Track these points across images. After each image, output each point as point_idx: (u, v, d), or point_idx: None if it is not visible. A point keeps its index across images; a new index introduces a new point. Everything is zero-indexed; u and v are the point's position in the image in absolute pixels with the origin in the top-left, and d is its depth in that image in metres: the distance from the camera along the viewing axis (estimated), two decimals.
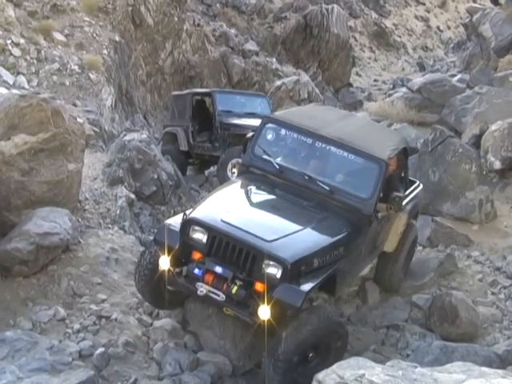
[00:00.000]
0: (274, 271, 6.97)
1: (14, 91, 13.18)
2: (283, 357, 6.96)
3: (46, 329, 8.50)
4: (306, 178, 8.49)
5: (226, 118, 17.49)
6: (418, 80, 21.38)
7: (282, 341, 7.01)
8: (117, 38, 23.77)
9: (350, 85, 36.26)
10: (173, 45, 28.26)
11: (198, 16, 31.22)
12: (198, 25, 30.59)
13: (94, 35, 22.81)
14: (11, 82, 17.64)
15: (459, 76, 22.87)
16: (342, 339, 7.59)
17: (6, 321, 8.87)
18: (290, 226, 7.74)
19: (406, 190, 9.98)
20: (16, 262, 9.16)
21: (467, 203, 12.80)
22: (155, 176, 13.32)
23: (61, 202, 10.71)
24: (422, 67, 41.38)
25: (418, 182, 11.04)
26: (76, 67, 20.34)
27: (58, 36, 21.45)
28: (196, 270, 7.30)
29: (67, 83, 19.48)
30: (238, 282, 7.12)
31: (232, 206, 8.01)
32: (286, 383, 7.12)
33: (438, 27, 52.30)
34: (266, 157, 8.81)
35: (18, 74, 18.46)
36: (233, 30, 32.27)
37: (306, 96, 26.08)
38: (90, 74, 20.48)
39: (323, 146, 8.73)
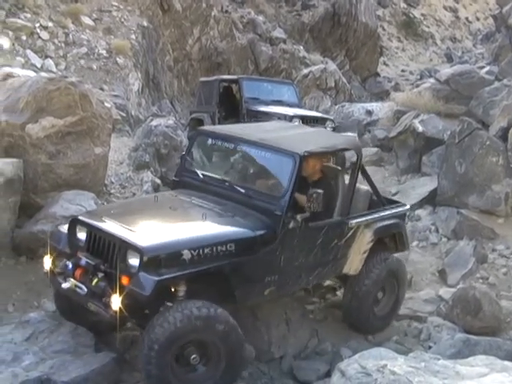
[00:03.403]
0: (135, 262, 6.67)
1: (42, 74, 13.22)
2: (151, 343, 6.47)
3: None
4: (226, 184, 8.27)
5: (253, 105, 17.51)
6: (446, 71, 21.18)
7: (144, 336, 6.64)
8: (145, 23, 23.82)
9: (378, 74, 36.14)
10: (200, 31, 28.25)
11: (225, 2, 31.14)
12: (226, 11, 30.56)
13: (122, 20, 22.87)
14: (39, 65, 17.73)
15: (487, 68, 22.64)
16: (231, 344, 6.89)
17: (30, 302, 8.96)
18: (170, 222, 7.50)
19: (351, 195, 8.77)
20: (41, 244, 9.20)
21: (493, 196, 12.68)
22: None
23: (87, 185, 10.78)
24: (449, 58, 41.11)
25: (400, 203, 9.94)
26: (104, 52, 20.41)
27: (86, 20, 21.52)
28: (69, 266, 7.15)
29: (95, 67, 19.56)
30: (100, 275, 6.89)
31: (123, 208, 8.07)
32: (158, 378, 6.58)
33: (466, 18, 51.94)
34: (193, 169, 8.70)
35: (46, 57, 18.54)
36: (261, 17, 32.18)
37: (333, 85, 25.98)
38: (117, 59, 20.53)
39: (244, 148, 8.55)
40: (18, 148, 10.29)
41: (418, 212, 13.40)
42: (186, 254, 6.78)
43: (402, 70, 40.71)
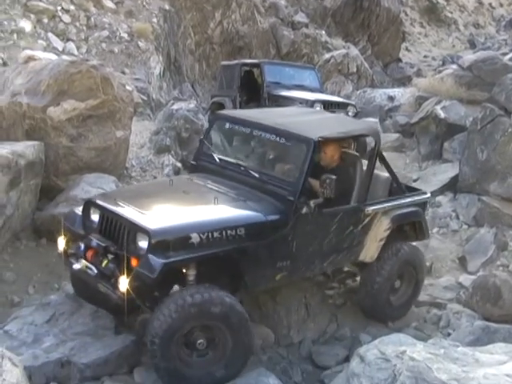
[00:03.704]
0: (144, 244, 6.68)
1: (64, 57, 13.28)
2: (151, 337, 6.55)
3: None
4: (242, 169, 8.20)
5: (275, 89, 17.48)
6: (468, 57, 20.94)
7: (151, 320, 6.71)
8: (166, 7, 23.82)
9: (400, 60, 35.91)
10: (222, 14, 28.16)
11: None
12: None
13: (144, 3, 22.88)
14: (60, 49, 17.81)
15: (511, 54, 22.42)
16: (233, 324, 6.84)
17: (51, 284, 9.03)
18: (181, 206, 7.47)
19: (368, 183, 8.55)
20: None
21: None
22: None
23: (108, 168, 10.83)
24: (472, 44, 40.76)
25: (421, 191, 9.71)
26: (125, 35, 20.44)
27: (108, 3, 21.55)
28: (81, 247, 7.22)
29: (116, 51, 19.60)
30: (110, 256, 6.93)
31: (137, 191, 8.15)
32: (167, 370, 6.69)
33: (490, 4, 51.38)
34: (211, 153, 8.64)
35: (68, 40, 18.61)
36: (282, 1, 31.95)
37: (355, 70, 25.87)
38: (138, 42, 20.56)
39: (260, 133, 8.40)
40: (40, 131, 10.36)
41: (439, 198, 13.34)
42: (195, 238, 6.75)
43: (425, 56, 40.42)
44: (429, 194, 9.84)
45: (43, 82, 10.52)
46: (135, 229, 6.80)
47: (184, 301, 6.54)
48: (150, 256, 6.54)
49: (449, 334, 8.81)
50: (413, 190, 9.65)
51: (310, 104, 15.95)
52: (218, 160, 8.51)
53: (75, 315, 7.72)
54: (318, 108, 15.58)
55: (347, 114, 16.51)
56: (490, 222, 11.98)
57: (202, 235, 6.80)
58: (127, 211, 7.03)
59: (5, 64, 14.80)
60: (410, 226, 9.39)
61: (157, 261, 6.50)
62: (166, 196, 7.84)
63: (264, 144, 8.69)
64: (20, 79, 10.91)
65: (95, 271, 7.00)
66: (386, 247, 8.85)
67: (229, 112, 9.88)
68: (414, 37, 43.05)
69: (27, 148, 9.77)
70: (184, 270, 6.95)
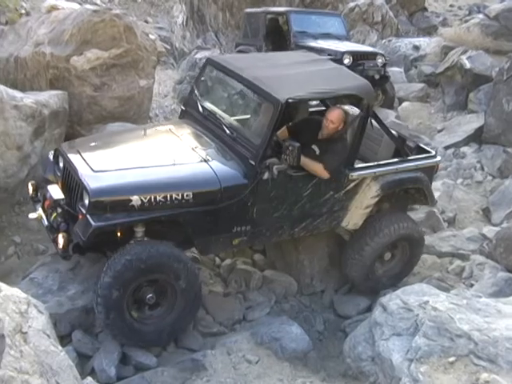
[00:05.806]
0: (86, 202, 6.46)
1: (87, 6, 13.22)
2: (101, 291, 6.45)
3: None
4: (219, 122, 7.72)
5: (301, 39, 17.19)
6: (495, 7, 20.58)
7: (100, 275, 6.57)
8: None
9: (425, 9, 35.37)
10: None
11: None
12: None
13: None
14: None
15: None
16: (185, 279, 6.77)
17: None
18: (134, 163, 6.99)
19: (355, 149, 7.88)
20: None
21: None
22: None
23: (131, 117, 10.85)
24: None
25: (429, 155, 8.74)
26: None
27: None
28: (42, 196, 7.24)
29: (139, 0, 19.48)
30: (59, 210, 6.85)
31: (103, 141, 7.86)
32: (114, 325, 6.67)
33: None
34: (197, 100, 8.23)
35: None
36: None
37: (380, 19, 25.54)
38: None
39: (239, 86, 7.93)
40: (63, 80, 10.37)
41: (464, 149, 13.27)
42: (136, 201, 6.51)
43: (451, 5, 39.77)
44: (438, 158, 8.91)
45: (66, 31, 10.50)
46: (82, 185, 6.61)
47: (130, 257, 6.47)
48: (88, 216, 6.39)
49: (471, 285, 8.80)
50: (423, 152, 8.87)
51: (340, 56, 15.61)
52: (201, 109, 8.13)
53: (99, 263, 7.77)
54: (346, 61, 15.26)
55: (376, 63, 16.20)
56: None
57: (143, 198, 6.56)
58: (80, 165, 6.84)
59: (28, 14, 14.76)
60: (416, 190, 8.72)
61: (89, 223, 6.33)
62: (129, 149, 7.59)
63: (242, 98, 8.36)
64: (43, 29, 10.90)
65: (46, 223, 7.01)
66: (380, 217, 8.41)
67: (218, 57, 9.29)
68: None
69: (51, 97, 9.79)
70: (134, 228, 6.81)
